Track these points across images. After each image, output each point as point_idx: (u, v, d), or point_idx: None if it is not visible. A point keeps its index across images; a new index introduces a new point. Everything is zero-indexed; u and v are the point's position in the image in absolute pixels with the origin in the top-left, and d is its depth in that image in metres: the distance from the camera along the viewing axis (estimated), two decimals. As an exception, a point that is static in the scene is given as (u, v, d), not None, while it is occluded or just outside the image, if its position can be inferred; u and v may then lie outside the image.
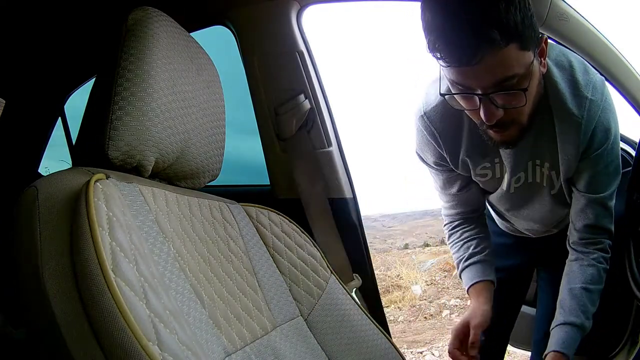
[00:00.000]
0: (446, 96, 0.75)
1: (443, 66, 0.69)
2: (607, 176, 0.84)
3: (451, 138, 0.87)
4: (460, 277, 1.00)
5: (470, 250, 0.98)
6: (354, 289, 1.14)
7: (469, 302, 0.98)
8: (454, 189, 0.98)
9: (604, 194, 0.85)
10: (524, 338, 1.32)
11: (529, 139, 0.82)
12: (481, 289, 0.94)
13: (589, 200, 0.86)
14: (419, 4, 0.68)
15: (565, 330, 0.83)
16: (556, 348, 0.82)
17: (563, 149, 0.81)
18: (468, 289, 0.96)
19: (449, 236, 1.04)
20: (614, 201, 0.88)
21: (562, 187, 0.89)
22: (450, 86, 0.73)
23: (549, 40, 0.75)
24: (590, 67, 0.81)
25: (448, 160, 0.90)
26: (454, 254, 1.03)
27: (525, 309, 1.30)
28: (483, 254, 0.98)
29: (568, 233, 0.92)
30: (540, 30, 0.90)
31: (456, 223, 1.02)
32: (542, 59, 0.74)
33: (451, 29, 0.64)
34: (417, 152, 0.95)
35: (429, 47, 0.67)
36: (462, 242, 1.00)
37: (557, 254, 1.06)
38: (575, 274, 0.88)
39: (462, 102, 0.74)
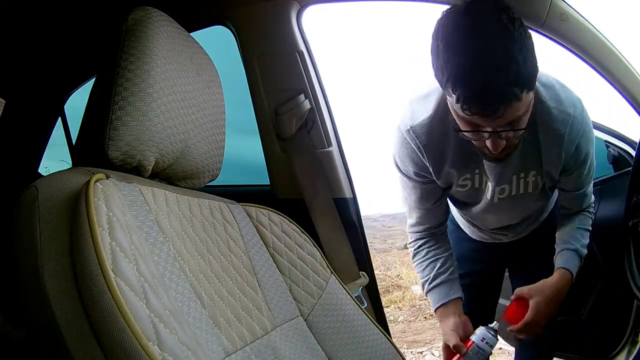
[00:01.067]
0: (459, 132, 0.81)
1: (467, 115, 0.73)
2: (588, 176, 0.95)
3: (437, 151, 0.91)
4: (426, 296, 1.05)
5: (434, 271, 1.02)
6: (360, 287, 1.14)
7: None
8: (430, 203, 1.01)
9: (586, 188, 0.98)
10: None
11: (515, 156, 0.89)
12: (448, 308, 0.99)
13: (576, 195, 0.98)
14: (418, 4, 0.69)
15: (564, 254, 0.97)
16: (560, 265, 0.96)
17: (546, 160, 0.89)
18: (436, 309, 1.01)
19: (414, 255, 1.07)
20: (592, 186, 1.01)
21: (541, 191, 0.97)
22: (457, 119, 0.79)
23: None
24: (566, 86, 0.88)
25: (431, 171, 0.94)
26: (419, 273, 1.06)
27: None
28: (447, 273, 1.02)
29: (559, 206, 1.05)
30: (540, 30, 0.90)
31: (422, 242, 1.05)
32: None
33: (481, 87, 0.69)
34: (396, 163, 0.98)
35: (452, 91, 0.72)
36: (427, 262, 1.04)
37: (526, 256, 1.15)
38: (567, 219, 1.02)
39: (469, 135, 0.80)
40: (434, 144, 0.90)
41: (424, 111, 0.89)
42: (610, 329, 1.25)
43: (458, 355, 0.90)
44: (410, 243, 1.09)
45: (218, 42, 1.26)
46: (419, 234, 1.06)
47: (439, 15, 0.74)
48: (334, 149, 1.20)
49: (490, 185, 0.95)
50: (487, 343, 0.90)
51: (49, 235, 0.43)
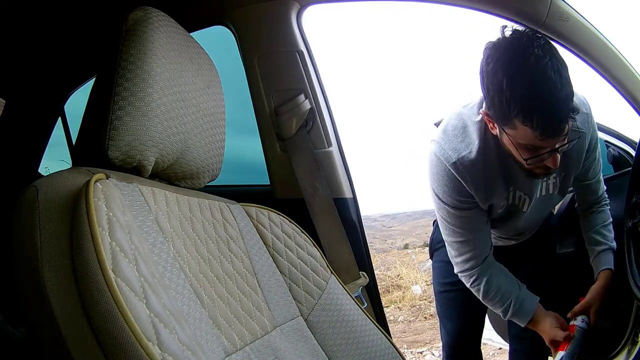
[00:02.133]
0: (528, 160, 0.85)
1: (539, 139, 0.79)
2: (599, 163, 1.06)
3: (482, 181, 0.95)
4: (512, 319, 1.05)
5: (512, 296, 1.02)
6: (360, 287, 1.14)
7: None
8: (480, 226, 1.01)
9: (599, 174, 1.07)
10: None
11: None
12: (538, 314, 1.03)
13: (593, 182, 1.07)
14: (419, 5, 0.69)
15: (602, 256, 1.06)
16: (603, 267, 1.05)
17: (573, 158, 0.97)
18: (528, 323, 1.04)
19: (485, 292, 1.03)
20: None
21: (560, 190, 1.04)
22: (513, 144, 0.84)
23: None
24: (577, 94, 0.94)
25: (476, 199, 0.97)
26: (494, 305, 1.04)
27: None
28: (519, 288, 1.04)
29: (577, 206, 1.13)
30: (540, 30, 0.90)
31: (486, 277, 1.03)
32: None
33: (552, 111, 0.76)
34: (438, 195, 0.98)
35: (522, 122, 0.78)
36: (501, 292, 1.03)
37: (524, 257, 1.18)
38: (592, 219, 1.09)
39: (533, 160, 0.85)
40: (480, 176, 0.94)
41: (467, 144, 0.94)
42: (610, 329, 1.25)
43: (565, 343, 0.99)
44: (472, 283, 1.05)
45: (218, 42, 1.26)
46: (477, 269, 1.03)
47: (482, 57, 0.82)
48: (334, 149, 1.20)
49: (527, 199, 1.01)
50: (585, 322, 1.02)
51: (49, 235, 0.43)
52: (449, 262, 1.08)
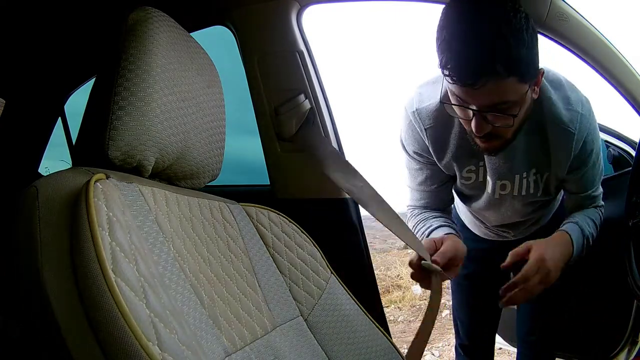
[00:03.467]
0: (445, 103, 0.82)
1: (449, 82, 0.75)
2: (594, 177, 0.96)
3: (439, 137, 0.93)
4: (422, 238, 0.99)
5: (441, 221, 0.99)
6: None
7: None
8: (434, 185, 1.01)
9: (592, 190, 0.97)
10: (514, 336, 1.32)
11: (517, 153, 0.90)
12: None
13: (582, 198, 0.98)
14: (419, 4, 0.69)
15: (565, 224, 0.95)
16: (560, 229, 0.93)
17: (555, 157, 0.90)
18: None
19: (415, 215, 1.04)
20: (600, 189, 1.00)
21: (544, 190, 0.97)
22: (449, 95, 0.80)
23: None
24: (574, 85, 0.90)
25: (433, 156, 0.96)
26: (419, 226, 1.01)
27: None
28: (448, 221, 1.00)
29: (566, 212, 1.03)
30: (540, 30, 0.90)
31: (423, 210, 1.05)
32: (536, 87, 0.81)
33: (464, 54, 0.71)
34: (402, 144, 1.00)
35: (440, 63, 0.75)
36: (432, 217, 1.01)
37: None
38: (578, 211, 0.99)
39: (457, 111, 0.81)
40: (437, 129, 0.92)
41: (431, 96, 0.92)
42: (610, 329, 1.25)
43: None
44: (408, 208, 1.07)
45: (218, 42, 1.26)
46: (419, 208, 1.05)
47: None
48: (334, 149, 1.20)
49: (490, 180, 0.96)
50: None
51: (49, 235, 0.43)
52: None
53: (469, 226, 1.23)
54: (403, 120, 0.97)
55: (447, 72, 0.74)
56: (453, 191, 1.08)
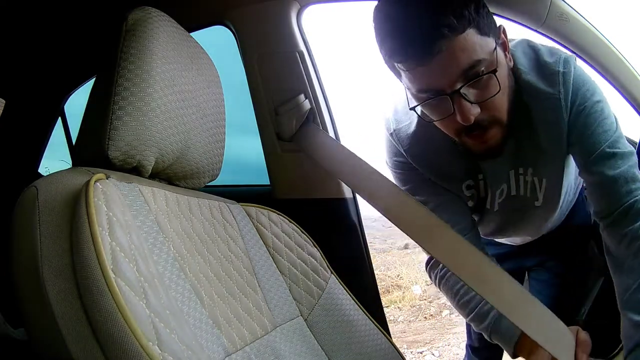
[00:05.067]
0: (417, 109, 0.71)
1: (404, 71, 0.65)
2: (603, 130, 0.73)
3: (424, 159, 0.83)
4: (493, 330, 0.80)
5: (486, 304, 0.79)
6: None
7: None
8: (441, 196, 0.85)
9: (607, 143, 0.72)
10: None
11: (510, 146, 0.77)
12: (527, 339, 0.76)
13: (606, 178, 0.73)
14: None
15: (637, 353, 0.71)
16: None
17: (547, 138, 0.75)
18: (515, 344, 0.78)
19: (442, 281, 0.85)
20: (627, 149, 0.76)
21: (546, 197, 0.83)
22: (415, 96, 0.69)
23: (508, 34, 0.72)
24: (559, 47, 0.76)
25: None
26: (465, 303, 0.82)
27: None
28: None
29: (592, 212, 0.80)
30: (540, 30, 0.90)
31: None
32: (506, 53, 0.71)
33: (405, 28, 0.61)
34: (388, 164, 0.89)
35: (386, 56, 0.65)
36: (469, 295, 0.82)
37: (551, 253, 1.08)
38: (620, 270, 0.73)
39: (434, 113, 0.69)
40: (419, 151, 0.82)
41: (407, 113, 0.80)
42: (610, 329, 1.25)
43: None
44: (430, 268, 0.88)
45: (218, 42, 1.26)
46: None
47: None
48: (334, 149, 1.20)
49: (490, 191, 0.84)
50: None
51: (49, 235, 0.43)
52: None
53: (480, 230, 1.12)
54: (383, 139, 0.86)
55: (396, 59, 0.64)
56: None
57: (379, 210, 0.88)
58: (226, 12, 1.17)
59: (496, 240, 1.12)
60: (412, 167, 0.86)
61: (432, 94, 0.66)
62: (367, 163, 0.96)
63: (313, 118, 1.17)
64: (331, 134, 1.20)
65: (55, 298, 0.40)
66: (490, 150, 0.73)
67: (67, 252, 0.42)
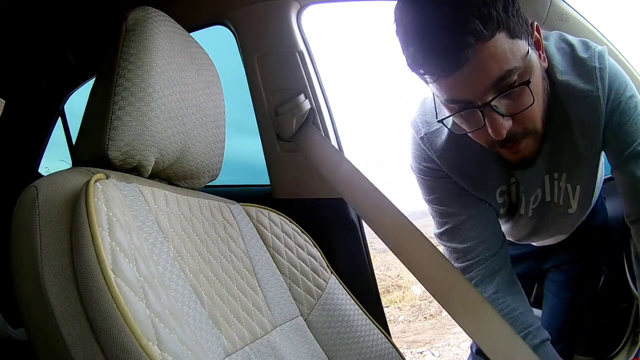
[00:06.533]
0: (445, 121, 0.68)
1: (430, 82, 0.62)
2: (636, 127, 0.70)
3: (456, 165, 0.78)
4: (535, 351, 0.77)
5: (531, 327, 0.78)
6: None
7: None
8: (474, 208, 0.80)
9: (639, 141, 0.70)
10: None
11: (545, 150, 0.73)
12: None
13: (626, 162, 0.71)
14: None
15: None
16: None
17: (585, 139, 0.72)
18: None
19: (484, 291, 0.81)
20: None
21: (580, 204, 0.81)
22: (445, 107, 0.65)
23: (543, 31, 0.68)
24: (590, 42, 0.73)
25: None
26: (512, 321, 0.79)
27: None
28: (540, 335, 0.79)
29: (625, 212, 0.79)
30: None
31: (488, 280, 0.81)
32: (540, 52, 0.66)
33: (429, 36, 0.56)
34: (417, 172, 0.83)
35: (410, 65, 0.61)
36: (516, 315, 0.79)
37: (570, 254, 1.07)
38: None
39: (464, 124, 0.66)
40: (451, 158, 0.77)
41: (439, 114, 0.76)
42: (610, 329, 1.25)
43: None
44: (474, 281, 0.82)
45: (218, 42, 1.26)
46: (480, 270, 0.80)
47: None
48: (334, 149, 1.20)
49: (523, 197, 0.80)
50: None
51: (48, 235, 0.43)
52: None
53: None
54: (411, 142, 0.81)
55: (421, 70, 0.60)
56: None
57: (365, 222, 0.88)
58: (226, 12, 1.17)
59: (518, 242, 1.09)
60: (443, 174, 0.80)
61: (461, 105, 0.62)
62: (361, 173, 0.97)
63: (313, 118, 1.17)
64: (331, 133, 1.20)
65: (55, 298, 0.40)
66: (525, 160, 0.70)
67: (67, 252, 0.42)
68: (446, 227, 0.83)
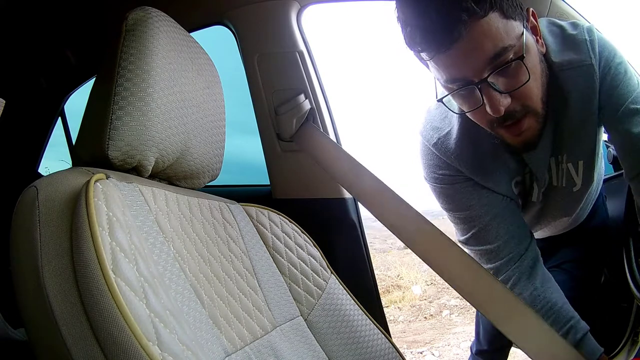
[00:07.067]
0: (446, 101, 0.70)
1: (428, 60, 0.64)
2: (627, 89, 0.73)
3: (472, 162, 0.79)
4: (578, 344, 0.78)
5: (572, 320, 0.80)
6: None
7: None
8: (497, 207, 0.80)
9: (630, 99, 0.72)
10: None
11: (547, 133, 0.75)
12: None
13: (620, 121, 0.73)
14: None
15: None
16: None
17: (582, 111, 0.74)
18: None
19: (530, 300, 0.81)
20: None
21: (584, 179, 0.82)
22: (442, 86, 0.67)
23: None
24: (578, 21, 0.76)
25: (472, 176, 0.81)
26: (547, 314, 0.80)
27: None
28: (581, 326, 0.81)
29: (624, 171, 0.79)
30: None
31: (522, 278, 0.81)
32: (538, 37, 0.68)
33: (425, 15, 0.59)
34: (431, 180, 0.83)
35: (408, 44, 0.64)
36: (556, 310, 0.80)
37: (571, 254, 1.08)
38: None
39: (464, 104, 0.67)
40: (466, 155, 0.78)
41: (449, 121, 0.79)
42: (610, 329, 1.25)
43: None
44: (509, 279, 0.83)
45: (218, 42, 1.26)
46: (513, 271, 0.81)
47: None
48: (334, 149, 1.20)
49: (536, 184, 0.81)
50: None
51: (48, 236, 0.43)
52: None
53: None
54: (422, 154, 0.82)
55: (418, 48, 0.62)
56: None
57: (373, 214, 0.88)
58: (226, 12, 1.17)
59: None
60: (459, 179, 0.81)
61: (460, 84, 0.64)
62: (364, 167, 0.96)
63: (313, 118, 1.17)
64: (331, 133, 1.20)
65: (55, 298, 0.40)
66: (527, 142, 0.71)
67: (67, 252, 0.42)
68: (472, 231, 0.82)
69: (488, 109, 0.63)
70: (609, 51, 0.72)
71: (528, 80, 0.63)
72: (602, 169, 0.97)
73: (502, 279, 0.82)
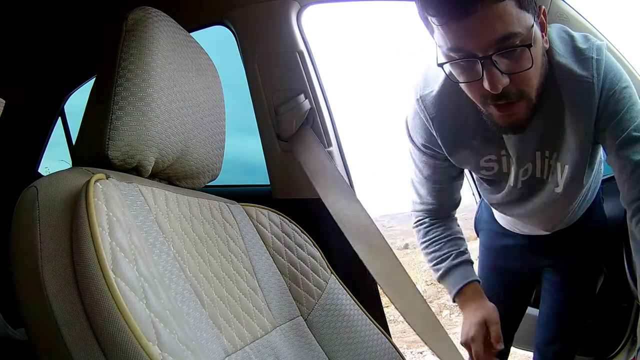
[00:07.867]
0: (446, 67, 0.71)
1: (437, 25, 0.65)
2: (631, 115, 0.74)
3: (448, 126, 0.83)
4: (443, 275, 0.96)
5: (459, 249, 0.96)
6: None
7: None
8: (441, 181, 0.93)
9: (633, 126, 0.73)
10: (525, 338, 1.32)
11: (537, 126, 0.78)
12: (477, 287, 0.94)
13: (620, 148, 0.74)
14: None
15: None
16: None
17: (576, 122, 0.76)
18: (463, 287, 0.93)
19: (426, 233, 0.99)
20: None
21: (567, 185, 0.85)
22: (447, 52, 0.68)
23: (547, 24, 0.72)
24: (591, 36, 0.77)
25: (443, 149, 0.86)
26: (433, 252, 0.97)
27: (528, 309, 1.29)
28: (468, 254, 0.96)
29: (621, 198, 0.81)
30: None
31: (429, 222, 0.99)
32: (544, 34, 0.71)
33: None
34: (407, 130, 0.90)
35: (421, 7, 0.65)
36: (445, 240, 0.97)
37: (566, 254, 1.07)
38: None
39: (462, 75, 0.69)
40: (444, 118, 0.82)
41: (436, 80, 0.80)
42: (610, 329, 1.25)
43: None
44: (415, 224, 1.01)
45: (218, 42, 1.26)
46: (425, 213, 0.98)
47: None
48: (334, 149, 1.20)
49: (513, 168, 0.85)
50: None
51: (49, 236, 0.43)
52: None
53: (497, 219, 1.14)
54: (410, 106, 0.86)
55: (430, 12, 0.64)
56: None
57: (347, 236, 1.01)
58: (226, 12, 1.17)
59: (513, 231, 1.12)
60: (436, 154, 0.88)
61: (463, 55, 0.65)
62: (345, 185, 1.06)
63: (313, 118, 1.17)
64: (331, 133, 1.20)
65: (55, 298, 0.40)
66: (514, 125, 0.74)
67: (67, 252, 0.42)
68: (425, 187, 0.96)
69: (486, 84, 0.65)
70: (615, 74, 0.74)
71: (530, 68, 0.65)
72: (600, 173, 0.98)
73: (419, 222, 1.00)
